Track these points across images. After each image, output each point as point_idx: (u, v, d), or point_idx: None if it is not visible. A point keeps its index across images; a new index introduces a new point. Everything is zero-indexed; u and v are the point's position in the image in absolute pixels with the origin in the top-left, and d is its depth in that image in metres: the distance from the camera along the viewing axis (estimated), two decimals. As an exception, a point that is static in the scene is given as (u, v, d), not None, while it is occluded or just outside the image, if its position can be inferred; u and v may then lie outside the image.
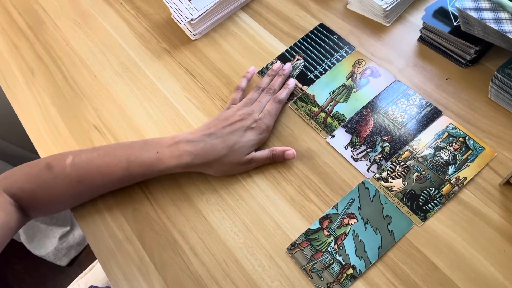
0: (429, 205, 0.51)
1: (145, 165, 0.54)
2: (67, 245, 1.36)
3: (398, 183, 0.53)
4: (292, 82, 0.63)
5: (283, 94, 0.61)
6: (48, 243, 1.35)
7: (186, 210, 0.57)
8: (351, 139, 0.57)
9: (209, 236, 0.54)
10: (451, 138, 0.54)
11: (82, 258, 1.40)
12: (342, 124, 0.59)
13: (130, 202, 0.59)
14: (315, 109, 0.61)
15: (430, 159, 0.54)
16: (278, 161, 0.57)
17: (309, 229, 0.52)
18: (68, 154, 0.55)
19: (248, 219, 0.55)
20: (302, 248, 0.51)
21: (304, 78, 0.64)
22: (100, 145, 0.57)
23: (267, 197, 0.55)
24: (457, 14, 0.55)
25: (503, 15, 0.52)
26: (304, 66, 0.65)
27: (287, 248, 0.52)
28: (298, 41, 0.67)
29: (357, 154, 0.56)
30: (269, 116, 0.58)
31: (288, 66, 0.64)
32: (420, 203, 0.51)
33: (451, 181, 0.52)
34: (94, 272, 0.89)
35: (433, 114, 0.57)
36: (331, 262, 0.50)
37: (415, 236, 0.50)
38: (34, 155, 0.65)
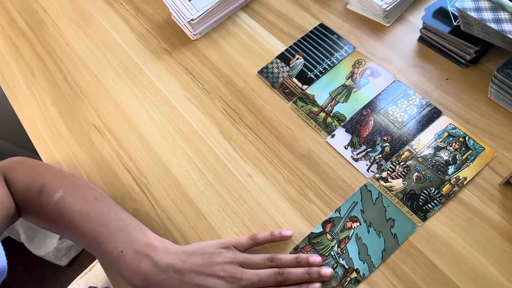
0: (429, 205, 0.51)
1: (104, 254, 0.49)
2: (67, 245, 1.36)
3: (398, 183, 0.53)
4: None
5: None
6: (48, 243, 1.34)
7: (186, 210, 0.57)
8: (351, 139, 0.57)
9: (209, 236, 0.54)
10: (451, 138, 0.54)
11: (82, 258, 1.40)
12: (342, 124, 0.59)
13: (130, 202, 0.59)
14: (315, 109, 0.61)
15: (430, 159, 0.54)
16: None
17: (312, 233, 0.52)
18: (62, 186, 0.51)
19: (248, 219, 0.55)
20: (305, 252, 0.51)
21: (304, 77, 0.64)
22: (95, 192, 0.53)
23: (267, 197, 0.55)
24: (457, 14, 0.55)
25: (503, 15, 0.52)
26: (304, 65, 0.65)
27: (289, 252, 0.52)
28: (298, 40, 0.67)
29: (357, 154, 0.56)
30: None
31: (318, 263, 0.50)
32: (420, 203, 0.51)
33: (451, 181, 0.52)
34: (94, 272, 0.89)
35: (433, 114, 0.57)
36: (334, 266, 0.50)
37: (415, 236, 0.50)
38: (34, 155, 0.65)
